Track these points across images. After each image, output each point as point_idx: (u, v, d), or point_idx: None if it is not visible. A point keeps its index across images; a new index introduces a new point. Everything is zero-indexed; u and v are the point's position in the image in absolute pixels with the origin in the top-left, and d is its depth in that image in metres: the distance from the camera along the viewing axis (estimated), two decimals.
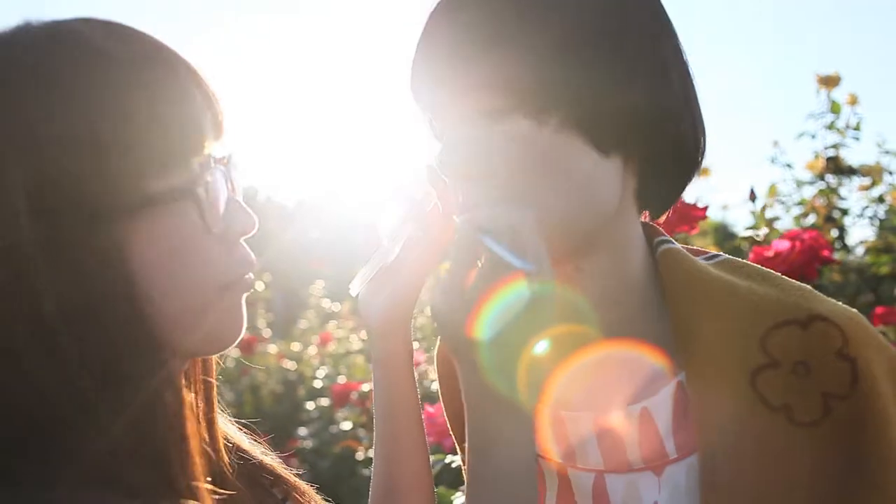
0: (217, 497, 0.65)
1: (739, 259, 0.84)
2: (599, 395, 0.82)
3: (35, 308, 0.59)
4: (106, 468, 0.59)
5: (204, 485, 0.65)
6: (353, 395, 3.24)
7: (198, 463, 0.66)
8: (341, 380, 3.77)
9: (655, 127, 0.74)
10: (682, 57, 0.77)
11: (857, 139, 3.07)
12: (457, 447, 1.05)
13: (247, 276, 0.70)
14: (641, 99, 0.73)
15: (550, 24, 0.71)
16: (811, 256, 1.49)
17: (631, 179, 0.77)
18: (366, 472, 2.96)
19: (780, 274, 0.80)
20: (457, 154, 0.75)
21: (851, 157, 3.08)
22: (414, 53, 0.78)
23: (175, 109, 0.66)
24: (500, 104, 0.72)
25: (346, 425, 3.44)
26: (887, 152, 3.16)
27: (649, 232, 0.84)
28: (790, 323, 0.73)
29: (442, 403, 1.04)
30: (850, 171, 3.06)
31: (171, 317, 0.64)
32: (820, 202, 3.00)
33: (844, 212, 3.00)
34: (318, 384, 4.60)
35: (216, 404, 0.81)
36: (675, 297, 0.78)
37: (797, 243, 1.49)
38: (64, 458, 0.59)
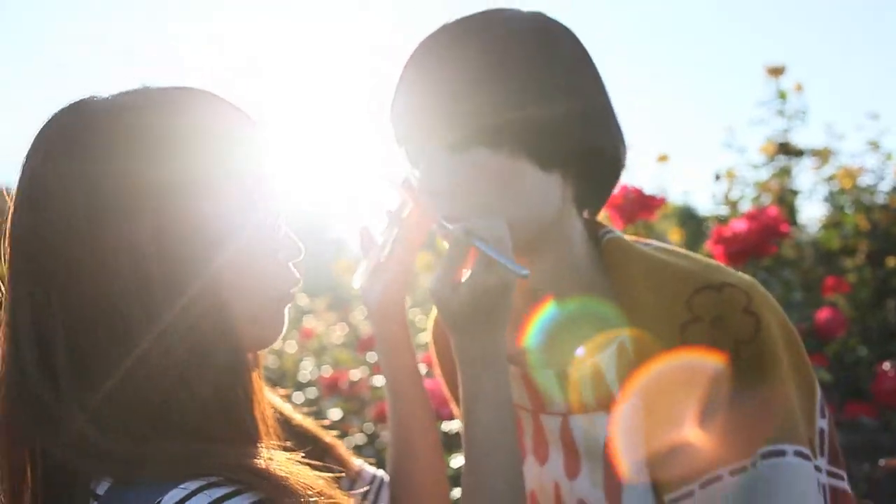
0: (279, 446, 0.80)
1: (667, 244, 1.06)
2: (559, 354, 1.03)
3: (157, 321, 0.74)
4: (200, 426, 0.74)
5: (272, 436, 0.85)
6: (343, 385, 3.38)
7: (267, 420, 0.86)
8: (326, 370, 3.90)
9: (584, 146, 0.96)
10: (601, 81, 0.99)
11: (803, 122, 3.30)
12: (453, 410, 1.26)
13: (292, 291, 0.87)
14: (572, 126, 0.94)
15: (500, 77, 0.92)
16: (768, 234, 1.68)
17: (569, 188, 0.98)
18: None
19: (693, 253, 1.03)
20: (432, 177, 0.96)
21: (800, 140, 3.30)
22: (393, 97, 1.00)
23: (254, 164, 0.84)
24: (463, 137, 0.93)
25: (336, 413, 3.57)
26: (835, 135, 3.39)
27: (592, 227, 1.06)
28: (708, 288, 0.94)
29: (438, 368, 1.25)
30: (799, 154, 3.28)
31: (243, 317, 0.80)
32: (774, 183, 3.22)
33: (795, 192, 3.22)
34: (303, 377, 4.73)
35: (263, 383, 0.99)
36: (618, 272, 0.99)
37: (753, 223, 1.69)
38: (168, 422, 0.73)
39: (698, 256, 1.01)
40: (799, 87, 3.29)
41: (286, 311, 0.88)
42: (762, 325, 0.91)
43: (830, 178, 3.24)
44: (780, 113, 3.28)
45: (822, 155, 3.26)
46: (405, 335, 1.13)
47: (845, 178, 2.95)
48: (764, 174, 3.28)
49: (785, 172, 3.25)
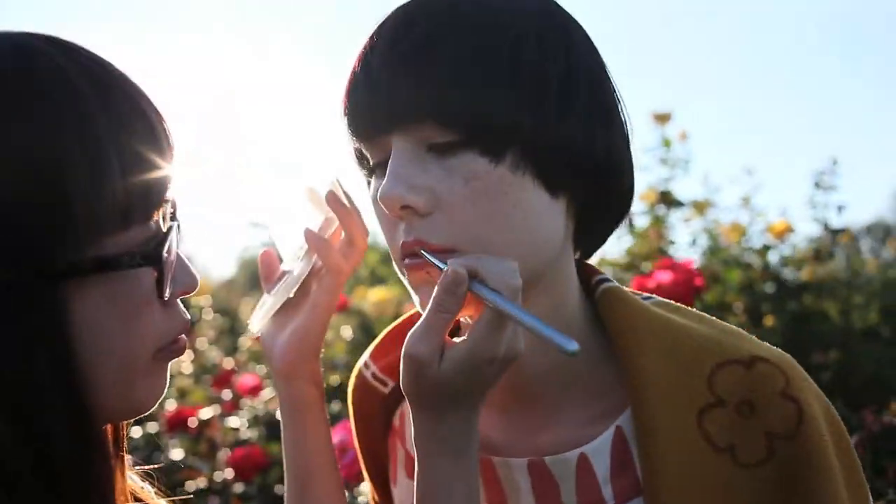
0: None
1: (671, 301, 0.85)
2: (533, 439, 0.80)
3: None
4: None
5: None
6: (190, 423, 3.04)
7: None
8: (170, 404, 3.53)
9: (601, 172, 0.75)
10: (622, 103, 0.78)
11: (685, 171, 3.31)
12: (368, 482, 1.02)
13: (181, 339, 0.66)
14: (593, 143, 0.73)
15: (507, 63, 0.70)
16: (690, 286, 1.57)
17: (571, 221, 0.77)
18: None
19: (710, 316, 0.82)
20: (404, 187, 0.70)
21: (681, 189, 3.31)
22: (352, 78, 0.74)
23: (143, 153, 0.61)
24: (453, 138, 0.70)
25: (178, 454, 3.22)
26: (712, 188, 3.42)
27: (586, 271, 0.84)
28: (733, 363, 0.74)
29: (356, 440, 1.00)
30: (679, 204, 3.28)
31: (103, 384, 0.61)
32: (652, 232, 3.19)
33: (671, 243, 3.21)
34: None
35: (126, 462, 0.76)
36: (621, 336, 0.77)
37: (678, 274, 1.57)
38: None
39: (713, 319, 0.81)
40: (683, 136, 3.29)
41: (168, 366, 0.67)
42: (805, 415, 0.71)
43: (710, 232, 3.26)
44: (664, 161, 3.27)
45: (700, 207, 3.28)
46: (318, 399, 0.91)
47: (732, 233, 2.95)
48: (642, 222, 3.25)
49: (660, 222, 3.24)
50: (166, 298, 0.64)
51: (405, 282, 0.76)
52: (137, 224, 0.61)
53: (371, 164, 0.77)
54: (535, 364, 0.78)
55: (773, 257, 3.10)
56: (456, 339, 0.69)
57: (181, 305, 0.68)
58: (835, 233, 3.12)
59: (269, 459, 2.55)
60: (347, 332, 3.27)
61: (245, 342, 3.78)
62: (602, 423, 0.77)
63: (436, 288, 0.67)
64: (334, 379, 2.84)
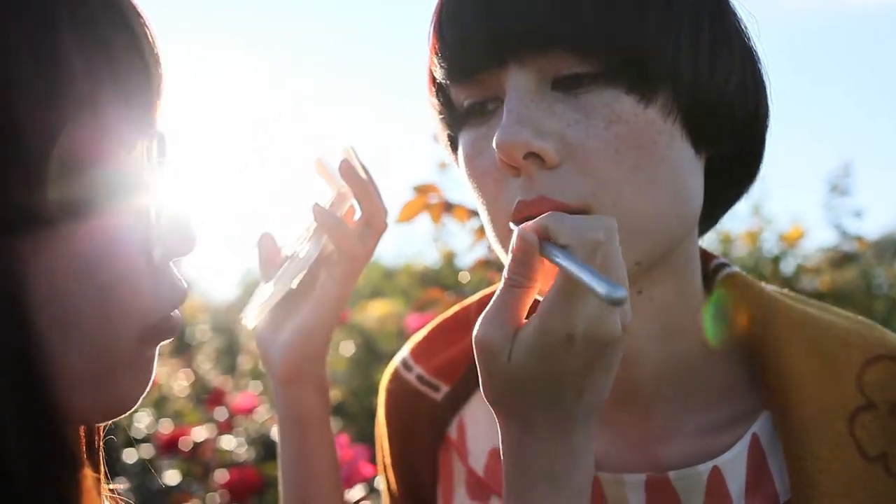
0: None
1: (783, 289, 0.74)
2: (648, 452, 0.68)
3: None
4: None
5: None
6: (184, 444, 2.93)
7: None
8: (166, 425, 3.42)
9: (747, 129, 0.64)
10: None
11: None
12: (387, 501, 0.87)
13: (173, 315, 0.51)
14: (745, 94, 0.63)
15: None
16: None
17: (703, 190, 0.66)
18: None
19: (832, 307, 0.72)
20: (531, 131, 0.57)
21: None
22: None
23: (119, 62, 0.46)
24: (592, 69, 0.58)
25: (173, 477, 3.12)
26: None
27: (701, 253, 0.72)
28: (882, 358, 0.64)
29: (384, 453, 0.86)
30: None
31: (72, 375, 0.46)
32: None
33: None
34: (137, 431, 4.19)
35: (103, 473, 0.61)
36: (756, 329, 0.66)
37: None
38: None
39: (836, 308, 0.71)
40: None
41: (157, 352, 0.52)
42: None
43: (723, 240, 3.15)
44: None
45: None
46: (323, 409, 0.78)
47: (745, 241, 2.85)
48: None
49: None
50: (157, 259, 0.49)
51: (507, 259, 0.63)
52: (112, 153, 0.46)
53: (465, 107, 0.64)
54: (646, 362, 0.66)
55: (786, 266, 2.99)
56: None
57: (175, 270, 0.52)
58: (852, 238, 3.01)
59: (265, 481, 2.44)
60: (349, 348, 3.16)
61: (243, 361, 3.67)
62: (733, 431, 0.66)
63: (510, 263, 0.55)
64: (334, 395, 2.73)
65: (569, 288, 0.51)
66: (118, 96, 0.46)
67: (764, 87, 0.65)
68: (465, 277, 1.60)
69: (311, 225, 0.76)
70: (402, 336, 2.37)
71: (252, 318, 0.77)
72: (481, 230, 1.56)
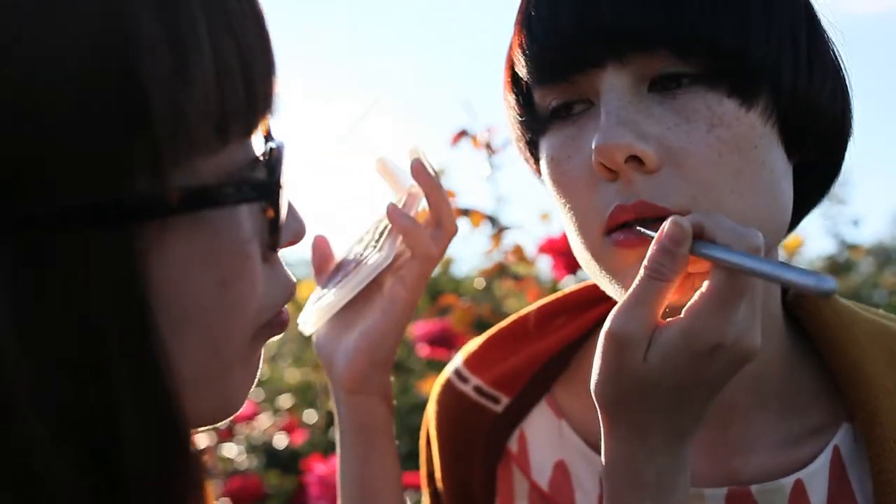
0: None
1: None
2: (726, 465, 0.67)
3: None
4: None
5: None
6: None
7: None
8: None
9: (834, 135, 0.63)
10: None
11: None
12: None
13: (284, 311, 0.49)
14: (835, 99, 0.62)
15: None
16: None
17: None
18: None
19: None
20: (633, 134, 0.56)
21: None
22: None
23: (244, 35, 0.42)
24: (692, 71, 0.57)
25: None
26: None
27: None
28: None
29: (434, 465, 0.83)
30: None
31: (191, 374, 0.43)
32: None
33: None
34: None
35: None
36: (836, 340, 0.65)
37: None
38: None
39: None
40: None
41: (262, 350, 0.50)
42: None
43: None
44: None
45: None
46: (388, 419, 0.74)
47: None
48: None
49: None
50: (278, 250, 0.47)
51: (596, 269, 0.61)
52: (235, 142, 0.43)
53: (550, 109, 0.62)
54: None
55: None
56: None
57: (283, 264, 0.49)
58: (850, 247, 3.02)
59: (267, 490, 2.42)
60: None
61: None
62: (814, 443, 0.65)
63: (650, 248, 0.52)
64: None
65: (727, 294, 0.49)
66: (244, 63, 0.42)
67: (850, 96, 0.65)
68: (480, 284, 1.59)
69: (377, 227, 0.73)
70: (403, 343, 2.36)
71: (311, 325, 0.74)
72: (497, 236, 1.55)
